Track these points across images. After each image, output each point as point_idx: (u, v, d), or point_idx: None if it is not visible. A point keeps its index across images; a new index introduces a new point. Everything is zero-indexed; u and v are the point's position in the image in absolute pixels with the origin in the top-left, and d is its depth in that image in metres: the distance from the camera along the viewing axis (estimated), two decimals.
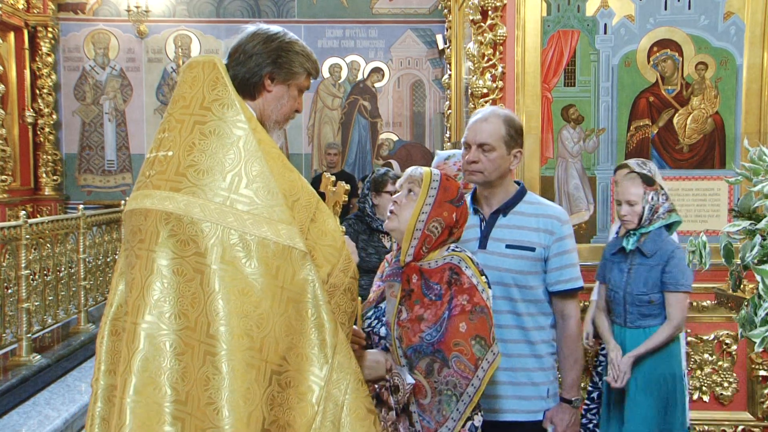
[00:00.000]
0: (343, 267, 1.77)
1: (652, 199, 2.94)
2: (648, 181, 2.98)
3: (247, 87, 1.84)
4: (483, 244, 2.31)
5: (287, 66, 1.85)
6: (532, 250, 2.27)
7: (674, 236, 3.14)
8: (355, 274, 1.82)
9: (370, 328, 2.06)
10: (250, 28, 1.89)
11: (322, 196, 1.91)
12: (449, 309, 1.91)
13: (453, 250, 2.04)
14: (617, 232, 3.30)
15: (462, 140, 2.40)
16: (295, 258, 1.65)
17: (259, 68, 1.83)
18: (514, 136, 2.32)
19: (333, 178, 2.08)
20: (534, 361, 2.31)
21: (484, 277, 2.00)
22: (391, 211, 2.07)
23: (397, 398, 1.87)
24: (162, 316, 1.62)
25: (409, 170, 2.12)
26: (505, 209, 2.32)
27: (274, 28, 1.89)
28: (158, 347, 1.60)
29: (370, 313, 2.11)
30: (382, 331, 2.01)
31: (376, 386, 1.90)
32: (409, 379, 1.88)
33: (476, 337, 1.89)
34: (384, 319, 2.03)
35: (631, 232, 2.98)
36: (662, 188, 3.01)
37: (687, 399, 3.09)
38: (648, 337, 2.93)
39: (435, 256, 2.03)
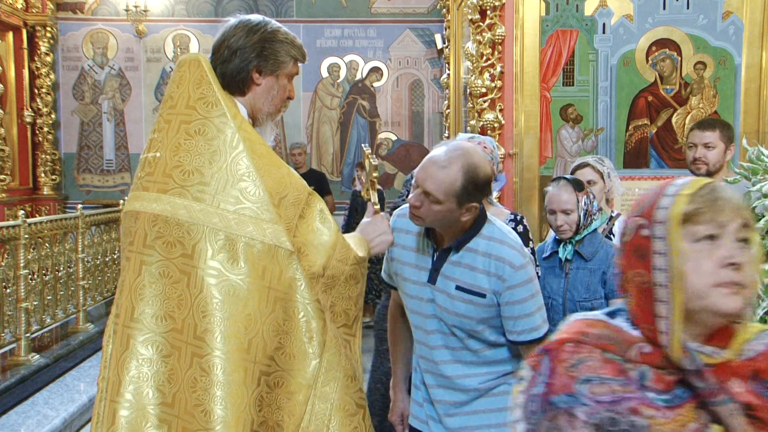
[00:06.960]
0: (340, 257, 1.76)
1: (585, 204, 2.81)
2: (579, 187, 2.85)
3: (236, 83, 1.82)
4: (433, 278, 2.05)
5: (273, 57, 1.83)
6: (483, 296, 1.99)
7: (617, 227, 3.15)
8: (358, 260, 1.79)
9: None
10: (232, 20, 1.87)
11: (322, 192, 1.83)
12: None
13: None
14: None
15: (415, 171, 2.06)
16: (281, 257, 1.65)
17: (245, 63, 1.81)
18: (471, 191, 1.90)
19: (369, 151, 2.01)
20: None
21: None
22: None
23: None
24: (148, 318, 1.62)
25: None
26: (458, 245, 2.03)
27: (255, 18, 1.86)
28: (145, 350, 1.61)
29: None
30: None
31: None
32: None
33: None
34: None
35: (567, 240, 2.82)
36: (591, 193, 2.89)
37: None
38: None
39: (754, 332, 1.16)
